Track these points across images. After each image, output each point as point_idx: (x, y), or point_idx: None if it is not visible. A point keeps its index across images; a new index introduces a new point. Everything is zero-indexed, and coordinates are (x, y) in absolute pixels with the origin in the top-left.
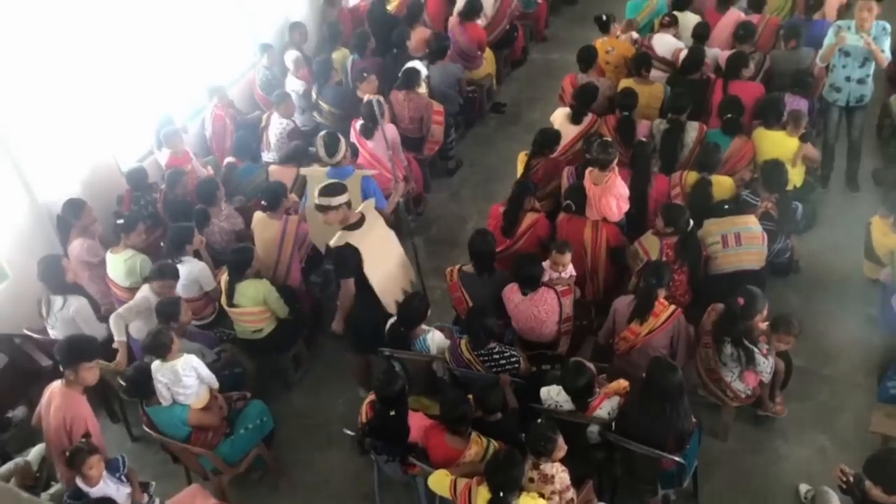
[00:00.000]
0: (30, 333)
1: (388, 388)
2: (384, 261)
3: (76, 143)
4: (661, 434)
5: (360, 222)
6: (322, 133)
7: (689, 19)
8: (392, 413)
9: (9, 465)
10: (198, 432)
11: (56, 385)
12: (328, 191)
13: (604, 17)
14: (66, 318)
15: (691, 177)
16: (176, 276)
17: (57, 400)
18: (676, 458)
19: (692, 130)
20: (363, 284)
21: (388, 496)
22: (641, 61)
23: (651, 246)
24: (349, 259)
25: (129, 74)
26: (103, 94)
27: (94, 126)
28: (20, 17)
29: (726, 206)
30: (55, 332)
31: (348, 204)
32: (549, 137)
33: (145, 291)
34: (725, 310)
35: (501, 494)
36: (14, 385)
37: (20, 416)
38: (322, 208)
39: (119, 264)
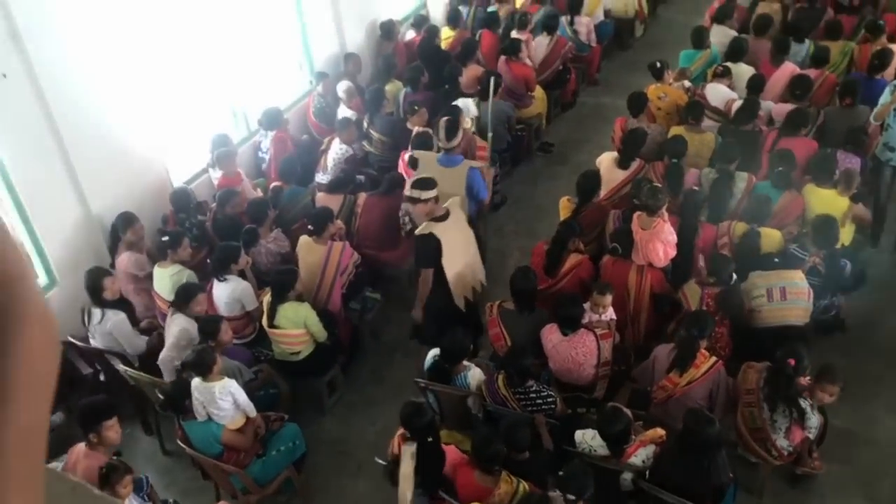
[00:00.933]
0: (73, 341)
1: (414, 421)
2: (461, 257)
3: (132, 159)
4: (696, 486)
5: (446, 216)
6: (445, 118)
7: (742, 70)
8: (430, 440)
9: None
10: (230, 451)
11: (80, 448)
12: (420, 184)
13: (658, 64)
14: (103, 331)
15: (740, 227)
16: (200, 289)
17: (83, 464)
18: None
19: (741, 181)
20: (439, 277)
21: None
22: (693, 109)
23: (692, 295)
24: (431, 249)
25: (187, 95)
26: (161, 113)
27: (151, 143)
28: (82, 34)
29: (776, 260)
30: (95, 343)
31: (436, 199)
32: (588, 181)
33: (182, 322)
34: (777, 370)
35: None
36: (55, 390)
37: (58, 421)
38: (412, 200)
39: (165, 278)
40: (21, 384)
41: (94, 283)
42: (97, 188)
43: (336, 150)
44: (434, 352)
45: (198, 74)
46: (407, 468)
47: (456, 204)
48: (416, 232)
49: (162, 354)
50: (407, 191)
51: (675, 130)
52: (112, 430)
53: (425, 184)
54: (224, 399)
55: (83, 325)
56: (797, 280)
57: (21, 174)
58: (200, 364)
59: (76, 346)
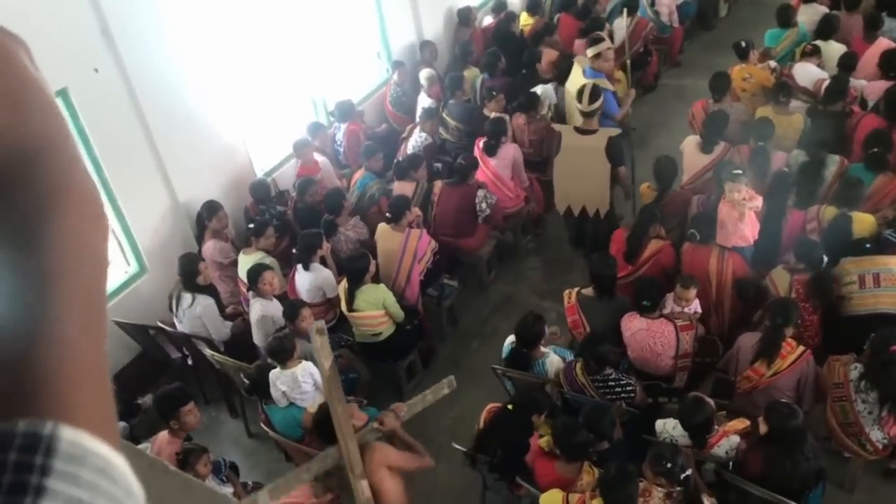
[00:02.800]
0: (162, 326)
1: (529, 396)
2: (581, 168)
3: (217, 149)
4: (781, 478)
5: (592, 132)
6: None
7: (832, 49)
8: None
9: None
10: (311, 434)
11: (163, 435)
12: (590, 95)
13: (743, 44)
14: (192, 315)
15: (829, 212)
16: (266, 268)
17: (166, 450)
18: None
19: (832, 164)
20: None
21: None
22: (781, 90)
23: (780, 281)
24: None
25: (269, 86)
26: (244, 104)
27: (235, 133)
28: (169, 29)
29: (867, 245)
30: (182, 327)
31: (592, 113)
32: (664, 168)
33: (258, 309)
34: (877, 358)
35: None
36: (145, 374)
37: (149, 402)
38: (584, 114)
39: (249, 265)
40: (67, 278)
41: (190, 268)
42: (184, 178)
43: (416, 139)
44: (511, 338)
45: (279, 66)
46: None
47: (608, 133)
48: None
49: (256, 339)
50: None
51: (762, 112)
52: (191, 414)
53: (594, 94)
54: (306, 381)
55: (171, 310)
56: (892, 266)
57: (112, 165)
58: (280, 351)
59: (165, 332)
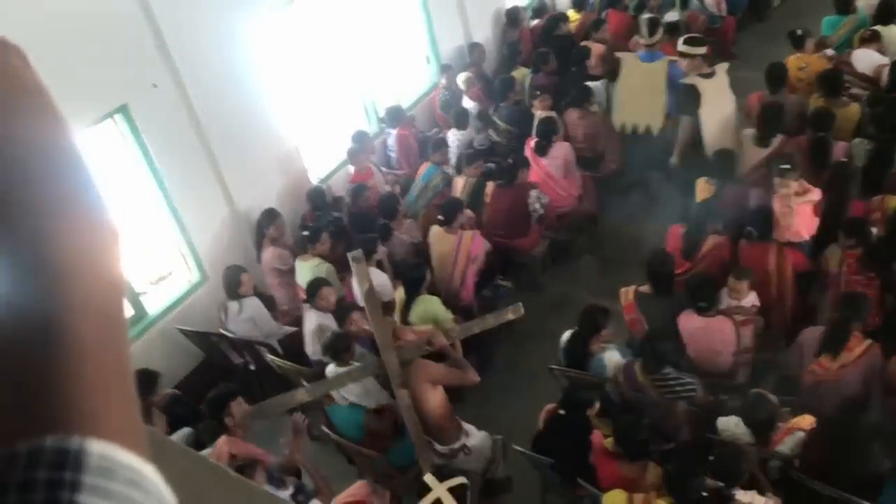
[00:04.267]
0: (225, 332)
1: (577, 395)
2: (716, 111)
3: (273, 158)
4: (849, 475)
5: (712, 75)
6: (648, 15)
7: (893, 33)
8: (572, 419)
9: (202, 454)
10: (372, 436)
11: (222, 439)
12: (690, 42)
13: (798, 33)
14: (244, 319)
15: (893, 201)
16: (325, 283)
17: (226, 451)
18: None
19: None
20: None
21: None
22: (837, 79)
23: (832, 256)
24: (691, 97)
25: (322, 94)
26: (299, 113)
27: (290, 142)
28: (224, 43)
29: None
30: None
31: (704, 56)
32: (721, 161)
33: (314, 319)
34: None
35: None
36: (208, 380)
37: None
38: (682, 55)
39: (307, 271)
40: (80, 287)
41: (234, 279)
42: (242, 187)
43: (452, 141)
44: (566, 336)
45: (331, 73)
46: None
47: (723, 69)
48: (682, 80)
49: (309, 351)
50: (679, 46)
51: (817, 102)
52: (241, 407)
53: (695, 41)
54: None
55: (220, 321)
56: None
57: (173, 177)
58: (336, 348)
59: (227, 338)
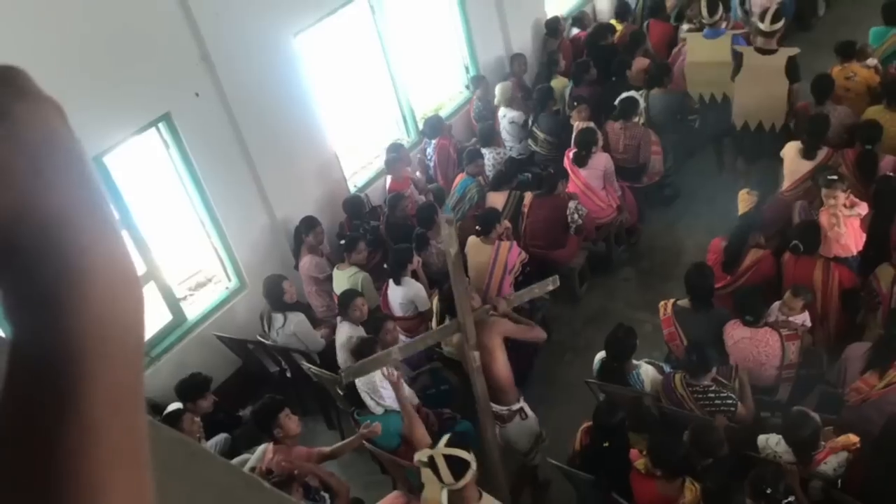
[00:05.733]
0: (262, 340)
1: (607, 418)
2: (755, 87)
3: (312, 167)
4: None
5: (771, 52)
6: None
7: None
8: (606, 445)
9: (238, 459)
10: (406, 445)
11: (268, 446)
12: (774, 19)
13: (849, 43)
14: (287, 333)
15: None
16: (358, 294)
17: (275, 460)
18: None
19: None
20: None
21: None
22: (892, 88)
23: (884, 277)
24: (736, 61)
25: (360, 103)
26: (337, 122)
27: (328, 151)
28: (264, 53)
29: None
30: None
31: (773, 33)
32: (763, 175)
33: (347, 331)
34: None
35: None
36: (245, 386)
37: (248, 415)
38: (764, 33)
39: (343, 280)
40: (94, 357)
41: (275, 290)
42: (281, 195)
43: (489, 157)
44: (601, 355)
45: (370, 82)
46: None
47: (788, 52)
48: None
49: (340, 361)
50: (762, 26)
51: (870, 113)
52: (289, 419)
53: (775, 18)
54: (385, 388)
55: (263, 331)
56: None
57: (213, 184)
58: (362, 353)
59: (264, 346)
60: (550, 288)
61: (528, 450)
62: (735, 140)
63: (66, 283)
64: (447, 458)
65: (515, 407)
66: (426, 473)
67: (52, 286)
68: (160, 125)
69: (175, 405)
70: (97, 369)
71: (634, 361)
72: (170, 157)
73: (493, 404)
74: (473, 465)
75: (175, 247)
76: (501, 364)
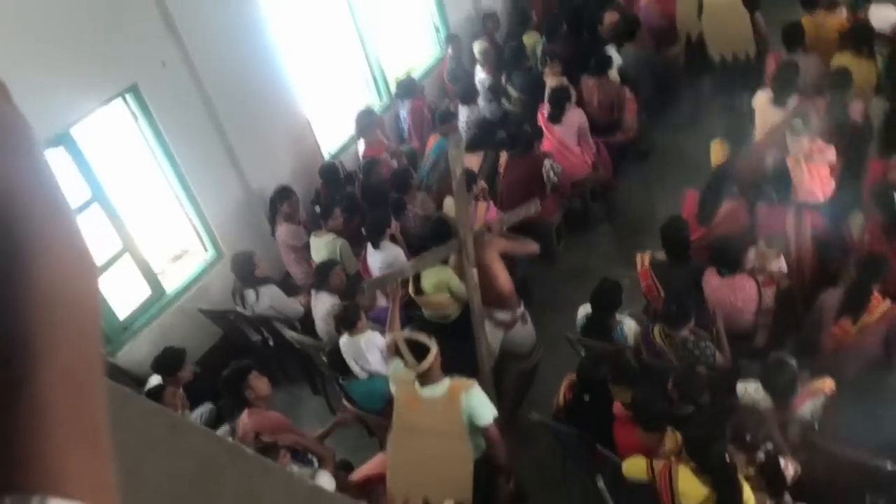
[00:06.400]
0: (242, 311)
1: (591, 372)
2: (723, 19)
3: (284, 134)
4: (870, 439)
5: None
6: None
7: None
8: (587, 398)
9: (223, 429)
10: (392, 408)
11: (244, 414)
12: None
13: None
14: (262, 307)
15: None
16: (334, 263)
17: (249, 423)
18: (889, 466)
19: None
20: None
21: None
22: (860, 35)
23: (855, 224)
24: None
25: (331, 68)
26: (308, 87)
27: (300, 118)
28: (230, 19)
29: None
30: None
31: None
32: (736, 126)
33: (326, 301)
34: None
35: (724, 463)
36: (227, 357)
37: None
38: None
39: (321, 247)
40: (47, 338)
41: (244, 265)
42: (254, 164)
43: (462, 115)
44: (584, 310)
45: (340, 46)
46: None
47: None
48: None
49: (320, 332)
50: None
51: (839, 60)
52: (258, 380)
53: None
54: (371, 352)
55: (236, 305)
56: None
57: (185, 155)
58: (346, 318)
59: (244, 316)
60: (534, 211)
61: (529, 351)
62: (714, 77)
63: (14, 267)
64: (409, 342)
65: (518, 312)
66: (397, 365)
67: (6, 260)
68: (127, 96)
69: (156, 379)
70: (48, 352)
71: (618, 316)
72: (139, 129)
73: (497, 312)
74: (433, 350)
75: (151, 220)
76: (502, 277)
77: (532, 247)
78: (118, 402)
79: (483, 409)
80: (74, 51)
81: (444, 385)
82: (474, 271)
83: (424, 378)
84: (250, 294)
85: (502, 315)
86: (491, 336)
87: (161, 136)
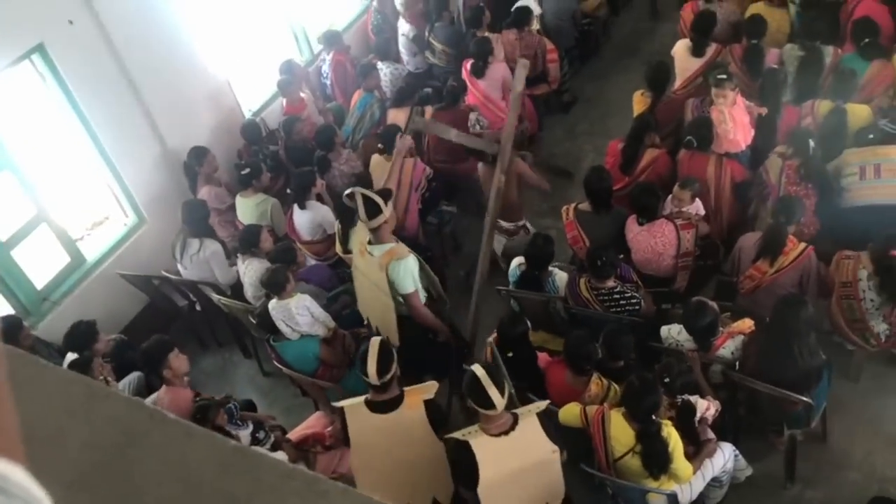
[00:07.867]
0: (167, 275)
1: (511, 329)
2: None
3: (202, 93)
4: (787, 374)
5: None
6: None
7: None
8: (510, 355)
9: (153, 397)
10: (325, 367)
11: (161, 392)
12: None
13: None
14: (201, 260)
15: (824, 106)
16: (259, 228)
17: (166, 400)
18: (804, 399)
19: (826, 56)
20: None
21: None
22: None
23: (772, 167)
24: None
25: (250, 22)
26: (226, 43)
27: (219, 75)
28: None
29: (871, 136)
30: (187, 274)
31: None
32: (657, 73)
33: (256, 266)
34: (882, 264)
35: (651, 419)
36: (155, 324)
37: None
38: None
39: (251, 208)
40: None
41: (196, 213)
42: (173, 125)
43: (386, 72)
44: (517, 262)
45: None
46: None
47: None
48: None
49: (249, 297)
50: None
51: (753, 8)
52: (177, 359)
53: None
54: (301, 314)
55: (173, 257)
56: (893, 156)
57: (98, 117)
58: (274, 283)
59: (170, 280)
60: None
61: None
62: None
63: None
64: (365, 198)
65: (521, 223)
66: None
67: None
68: (34, 57)
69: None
70: None
71: (549, 268)
72: (49, 92)
73: (503, 222)
74: (384, 215)
75: (67, 186)
76: (515, 190)
77: (545, 184)
78: (33, 372)
79: (403, 281)
80: None
81: (383, 248)
82: (502, 177)
83: (374, 235)
84: (194, 243)
85: (507, 224)
86: (496, 242)
87: (73, 98)
